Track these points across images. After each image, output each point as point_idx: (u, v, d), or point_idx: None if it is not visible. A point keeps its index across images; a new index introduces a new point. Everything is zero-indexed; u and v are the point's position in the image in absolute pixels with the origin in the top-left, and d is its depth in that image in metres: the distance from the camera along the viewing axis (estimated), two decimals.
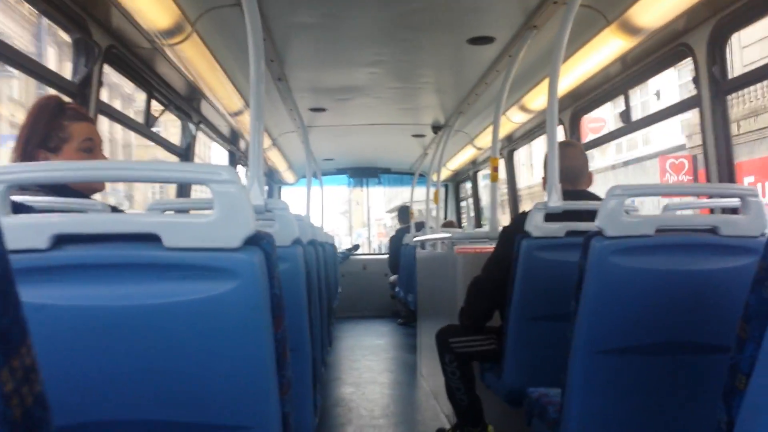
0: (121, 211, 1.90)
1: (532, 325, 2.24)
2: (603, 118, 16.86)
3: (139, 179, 1.14)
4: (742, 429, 1.00)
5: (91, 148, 1.80)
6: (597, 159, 18.18)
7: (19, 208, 1.21)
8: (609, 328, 1.66)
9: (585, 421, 1.70)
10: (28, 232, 1.08)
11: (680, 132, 14.99)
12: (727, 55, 2.66)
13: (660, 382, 1.68)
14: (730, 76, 2.64)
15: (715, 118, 2.65)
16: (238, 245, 1.11)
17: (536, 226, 2.23)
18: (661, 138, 16.10)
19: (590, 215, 2.22)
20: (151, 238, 1.10)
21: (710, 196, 2.28)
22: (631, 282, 1.65)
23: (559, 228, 2.23)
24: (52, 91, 2.42)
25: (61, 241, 1.09)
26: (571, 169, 2.41)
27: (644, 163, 16.89)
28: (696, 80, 2.74)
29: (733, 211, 2.48)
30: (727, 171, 2.59)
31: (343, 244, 11.93)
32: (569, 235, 2.20)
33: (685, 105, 3.06)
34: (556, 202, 2.26)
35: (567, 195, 2.33)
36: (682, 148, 15.16)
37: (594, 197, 2.40)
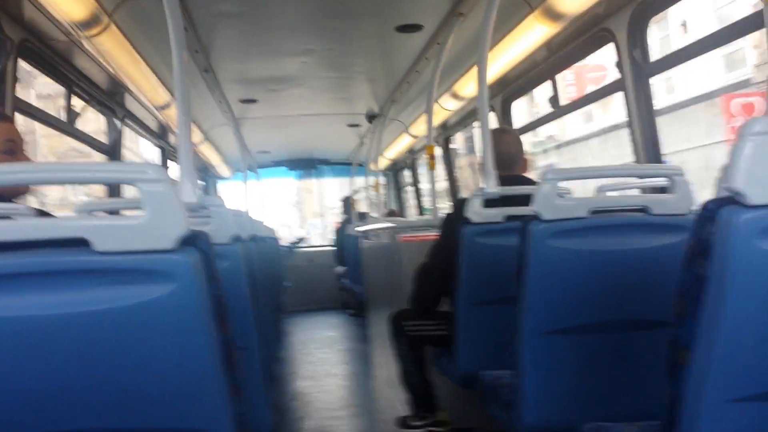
0: (48, 214, 1.80)
1: (480, 310, 2.28)
2: (604, 65, 12.79)
3: (64, 181, 1.08)
4: (687, 401, 1.03)
5: (12, 150, 1.70)
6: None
7: None
8: (552, 309, 1.70)
9: (538, 401, 1.74)
10: None
11: (735, 65, 12.09)
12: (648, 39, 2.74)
13: (606, 360, 1.74)
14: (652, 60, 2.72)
15: (638, 100, 2.73)
16: (172, 246, 1.06)
17: (475, 212, 2.26)
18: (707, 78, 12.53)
19: (527, 200, 2.27)
20: (81, 243, 1.04)
21: (640, 178, 2.35)
22: (569, 263, 1.69)
23: (497, 213, 2.26)
24: None
25: None
26: (505, 155, 2.44)
27: (683, 110, 13.44)
28: (619, 64, 2.81)
29: (663, 190, 2.58)
30: (653, 150, 2.67)
31: (295, 236, 11.84)
32: (508, 220, 2.23)
33: (609, 89, 3.14)
34: (493, 188, 2.29)
35: (503, 180, 2.36)
36: (746, 84, 12.20)
37: (530, 182, 2.44)
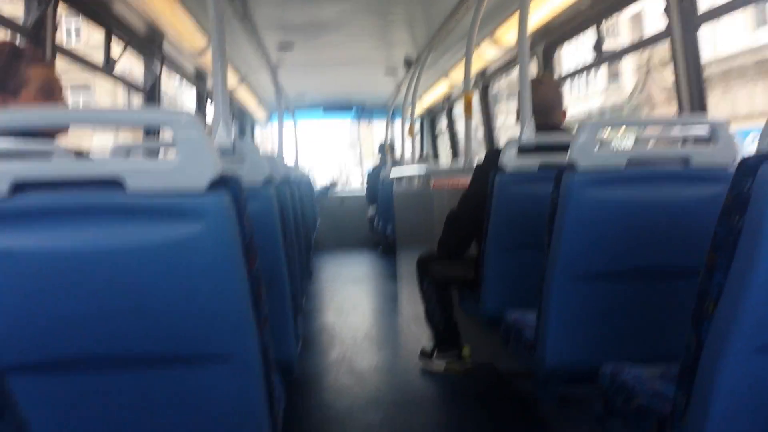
0: (85, 155, 1.84)
1: (509, 253, 2.29)
2: None
3: (100, 123, 1.10)
4: (710, 350, 1.03)
5: (49, 91, 1.74)
6: None
7: None
8: (582, 255, 1.69)
9: (560, 343, 1.76)
10: None
11: None
12: None
13: (631, 306, 1.73)
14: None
15: (686, 50, 2.63)
16: (203, 188, 1.09)
17: (510, 160, 2.23)
18: None
19: (563, 149, 2.24)
20: (115, 183, 1.07)
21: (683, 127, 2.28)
22: (602, 212, 1.67)
23: (532, 162, 2.23)
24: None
25: (21, 187, 1.06)
26: (543, 104, 2.39)
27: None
28: (667, 11, 2.70)
29: (705, 141, 2.50)
30: (698, 101, 2.59)
31: (351, 177, 11.99)
32: (543, 169, 2.20)
33: (656, 37, 3.02)
34: (529, 136, 2.26)
35: (540, 129, 2.32)
36: None
37: (567, 132, 2.40)
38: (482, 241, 2.35)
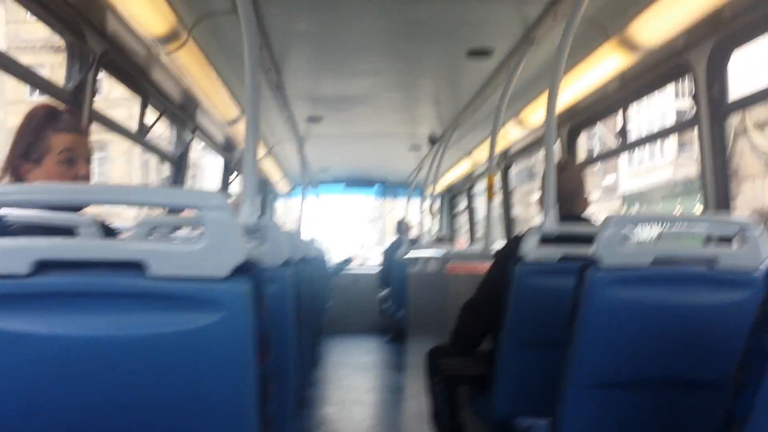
0: (111, 229, 1.85)
1: (525, 352, 2.21)
2: None
3: (132, 203, 1.11)
4: None
5: (72, 160, 1.74)
6: None
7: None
8: (603, 361, 1.64)
9: None
10: (8, 257, 1.05)
11: None
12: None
13: (654, 419, 1.66)
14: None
15: (713, 139, 2.62)
16: (226, 275, 1.08)
17: (530, 250, 2.20)
18: None
19: (585, 240, 2.21)
20: (137, 266, 1.06)
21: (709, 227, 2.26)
22: (626, 314, 1.63)
23: (552, 252, 2.20)
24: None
25: (43, 266, 1.06)
26: (566, 191, 2.38)
27: None
28: (695, 98, 2.71)
29: (731, 239, 2.46)
30: (723, 195, 2.56)
31: (371, 253, 11.87)
32: (563, 260, 2.17)
33: (683, 125, 3.04)
34: (551, 226, 2.24)
35: (562, 217, 2.30)
36: None
37: (590, 222, 2.38)
38: (498, 334, 2.27)
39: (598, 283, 1.60)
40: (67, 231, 1.56)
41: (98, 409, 1.07)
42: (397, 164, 7.29)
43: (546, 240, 2.20)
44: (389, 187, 8.75)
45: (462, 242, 8.71)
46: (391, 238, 8.62)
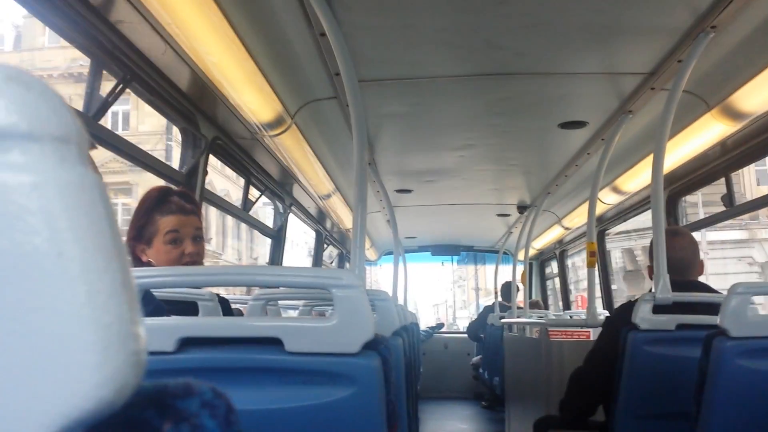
0: (225, 300, 1.93)
1: (640, 424, 2.10)
2: None
3: (261, 284, 1.17)
4: None
5: (177, 240, 1.84)
6: None
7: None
8: None
9: None
10: (156, 335, 1.11)
11: None
12: None
13: None
14: None
15: None
16: (357, 350, 1.11)
17: (644, 318, 2.13)
18: None
19: (702, 308, 2.12)
20: (274, 342, 1.11)
21: None
22: (759, 387, 1.54)
23: (668, 321, 2.11)
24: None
25: (186, 344, 1.12)
26: (679, 260, 2.30)
27: None
28: None
29: None
30: None
31: (457, 317, 11.88)
32: (680, 328, 2.08)
33: None
34: (665, 294, 2.16)
35: (675, 286, 2.22)
36: None
37: (706, 288, 2.28)
38: (611, 406, 2.19)
39: (728, 354, 1.53)
40: (191, 303, 1.65)
41: None
42: (484, 231, 7.26)
43: (660, 308, 2.13)
44: (467, 256, 8.71)
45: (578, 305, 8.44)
46: (481, 301, 8.45)
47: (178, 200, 1.92)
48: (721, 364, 1.54)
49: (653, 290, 2.22)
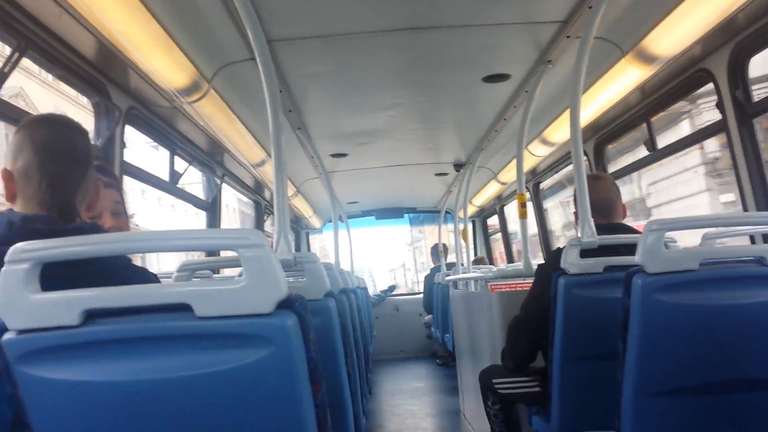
0: (150, 273, 1.87)
1: (578, 365, 2.16)
2: None
3: (168, 249, 1.12)
4: None
5: (119, 212, 1.79)
6: None
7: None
8: (659, 368, 1.59)
9: None
10: (58, 309, 1.06)
11: None
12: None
13: (716, 423, 1.61)
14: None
15: (744, 143, 2.59)
16: (270, 310, 1.08)
17: (572, 262, 2.16)
18: None
19: (627, 249, 2.17)
20: (183, 308, 1.07)
21: (754, 226, 2.21)
22: (678, 319, 1.59)
23: (595, 264, 2.16)
24: None
25: (92, 315, 1.07)
26: (602, 202, 2.35)
27: None
28: (720, 105, 2.69)
29: None
30: (763, 195, 2.51)
31: (413, 279, 11.99)
32: (607, 270, 2.13)
33: (710, 131, 3.00)
34: (590, 237, 2.20)
35: (601, 229, 2.27)
36: None
37: (629, 230, 2.34)
38: (548, 349, 2.23)
39: (646, 290, 1.57)
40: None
41: None
42: (425, 192, 7.32)
43: (587, 252, 2.17)
44: (420, 215, 8.80)
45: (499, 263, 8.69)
46: (428, 264, 8.62)
47: (104, 173, 1.84)
48: (640, 300, 1.58)
49: (579, 235, 2.26)
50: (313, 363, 1.14)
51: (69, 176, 1.33)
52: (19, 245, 1.08)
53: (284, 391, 1.09)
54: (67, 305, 1.06)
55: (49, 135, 1.33)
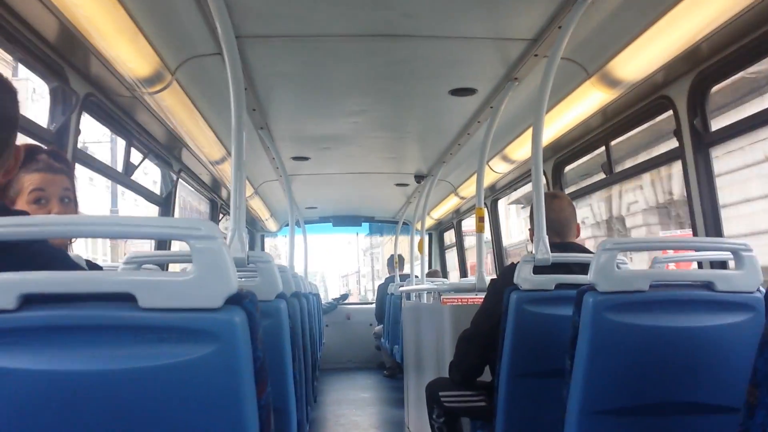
0: (97, 266, 1.80)
1: (524, 382, 2.16)
2: None
3: (113, 235, 1.07)
4: None
5: (41, 199, 1.70)
6: None
7: None
8: (605, 387, 1.61)
9: None
10: None
11: None
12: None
13: None
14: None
15: (698, 171, 2.66)
16: (218, 305, 1.05)
17: (525, 278, 2.18)
18: None
19: (580, 268, 2.20)
20: (126, 298, 1.02)
21: (705, 251, 2.26)
22: (626, 339, 1.61)
23: (548, 280, 2.18)
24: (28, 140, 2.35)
25: (29, 300, 1.02)
26: (558, 221, 2.38)
27: None
28: (677, 132, 2.75)
29: (722, 264, 2.47)
30: (713, 224, 2.58)
31: (367, 288, 11.99)
32: (559, 287, 2.15)
33: (667, 157, 3.07)
34: (544, 254, 2.23)
35: (555, 247, 2.30)
36: None
37: (583, 249, 2.37)
38: (496, 364, 2.24)
39: (596, 308, 1.58)
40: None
41: None
42: (384, 202, 7.32)
43: (540, 269, 2.19)
44: (377, 225, 8.80)
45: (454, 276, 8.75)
46: (385, 273, 8.60)
47: (46, 158, 1.77)
48: (590, 317, 1.60)
49: (533, 252, 2.28)
50: (260, 362, 1.11)
51: None
52: None
53: (228, 390, 1.05)
54: (3, 288, 1.01)
55: None
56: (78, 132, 2.67)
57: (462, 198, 6.26)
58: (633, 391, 1.61)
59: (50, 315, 1.02)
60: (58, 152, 1.98)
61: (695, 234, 2.64)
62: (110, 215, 1.49)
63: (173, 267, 3.66)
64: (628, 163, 3.83)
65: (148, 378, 1.02)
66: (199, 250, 1.04)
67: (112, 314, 1.03)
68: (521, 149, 4.14)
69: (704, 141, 2.64)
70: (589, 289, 1.63)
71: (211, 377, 1.04)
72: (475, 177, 3.82)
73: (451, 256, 8.78)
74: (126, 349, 1.02)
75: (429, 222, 7.83)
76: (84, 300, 1.04)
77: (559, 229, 2.39)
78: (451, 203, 6.73)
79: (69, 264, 1.18)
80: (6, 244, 1.05)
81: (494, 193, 5.61)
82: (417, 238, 6.02)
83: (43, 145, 2.04)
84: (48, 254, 1.15)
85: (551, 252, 2.25)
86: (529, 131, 3.67)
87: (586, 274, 1.67)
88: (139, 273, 1.10)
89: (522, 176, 4.93)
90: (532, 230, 2.38)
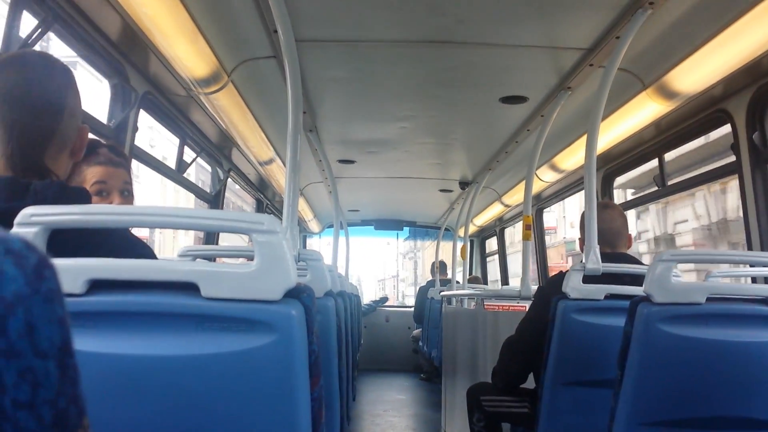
0: (150, 250, 1.85)
1: (568, 391, 2.14)
2: None
3: (181, 226, 1.11)
4: None
5: (103, 191, 1.76)
6: None
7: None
8: (655, 399, 1.58)
9: None
10: (63, 277, 1.04)
11: None
12: None
13: None
14: None
15: (756, 186, 2.59)
16: (278, 297, 1.07)
17: (574, 287, 2.15)
18: None
19: (630, 279, 2.17)
20: (189, 287, 1.05)
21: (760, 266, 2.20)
22: (679, 351, 1.58)
23: (598, 290, 2.15)
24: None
25: (96, 286, 1.06)
26: (609, 231, 2.35)
27: None
28: (735, 147, 2.69)
29: None
30: None
31: (405, 293, 12.06)
32: (608, 298, 2.12)
33: (723, 171, 3.00)
34: (595, 264, 2.20)
35: (605, 257, 2.26)
36: None
37: (634, 260, 2.34)
38: (541, 372, 2.22)
39: (649, 320, 1.56)
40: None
41: (148, 429, 1.05)
42: (427, 207, 7.32)
43: (590, 278, 2.16)
44: (419, 230, 8.80)
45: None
46: (426, 277, 8.60)
47: (106, 152, 1.83)
48: (644, 329, 1.57)
49: (584, 261, 2.25)
50: (314, 356, 1.13)
51: (35, 128, 1.15)
52: (28, 209, 1.06)
53: (283, 381, 1.07)
54: (72, 273, 1.05)
55: (12, 79, 1.15)
56: (136, 128, 2.75)
57: (506, 206, 6.21)
58: (684, 404, 1.58)
59: (116, 300, 1.06)
60: (118, 147, 2.04)
61: (750, 249, 2.57)
62: (178, 208, 1.53)
63: None
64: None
65: (207, 365, 1.05)
66: (262, 244, 1.07)
67: (175, 302, 1.06)
68: (571, 158, 4.09)
69: (763, 156, 2.58)
70: (643, 300, 1.60)
71: (268, 367, 1.06)
72: (519, 185, 3.80)
73: (490, 264, 8.74)
74: (187, 336, 1.05)
75: (471, 229, 7.80)
76: (149, 287, 1.07)
77: (610, 239, 2.35)
78: (494, 211, 6.69)
79: (137, 245, 1.23)
80: (80, 230, 1.10)
81: (539, 202, 5.56)
82: (459, 245, 6.00)
83: (102, 140, 2.11)
84: (120, 239, 1.20)
85: (602, 262, 2.22)
86: (579, 141, 3.64)
87: (637, 285, 1.64)
88: (202, 263, 1.13)
89: (569, 186, 4.86)
90: (582, 239, 2.36)
